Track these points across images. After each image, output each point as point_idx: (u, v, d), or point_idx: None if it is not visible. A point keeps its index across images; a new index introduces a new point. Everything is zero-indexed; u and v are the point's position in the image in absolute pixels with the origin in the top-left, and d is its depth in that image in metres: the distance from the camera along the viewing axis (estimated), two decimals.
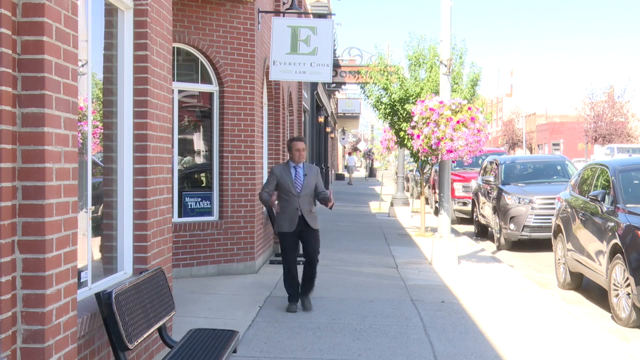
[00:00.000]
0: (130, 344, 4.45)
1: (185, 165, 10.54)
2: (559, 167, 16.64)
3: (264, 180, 7.74)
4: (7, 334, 3.64)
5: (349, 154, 54.07)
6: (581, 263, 9.67)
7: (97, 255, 5.44)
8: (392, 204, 21.20)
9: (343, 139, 57.29)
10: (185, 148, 10.68)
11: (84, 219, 4.98)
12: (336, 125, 51.17)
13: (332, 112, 40.37)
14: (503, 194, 14.75)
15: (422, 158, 14.29)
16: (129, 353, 4.79)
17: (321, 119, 29.88)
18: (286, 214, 8.08)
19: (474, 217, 17.58)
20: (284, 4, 13.56)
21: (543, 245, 13.99)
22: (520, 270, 11.97)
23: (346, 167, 51.95)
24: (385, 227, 17.83)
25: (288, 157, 8.34)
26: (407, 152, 16.93)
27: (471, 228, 18.03)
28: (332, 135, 46.47)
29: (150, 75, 5.71)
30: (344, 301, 8.72)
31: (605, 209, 8.97)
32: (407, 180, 32.23)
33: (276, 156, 13.47)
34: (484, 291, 9.62)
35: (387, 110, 14.97)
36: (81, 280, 4.76)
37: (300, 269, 8.39)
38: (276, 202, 8.05)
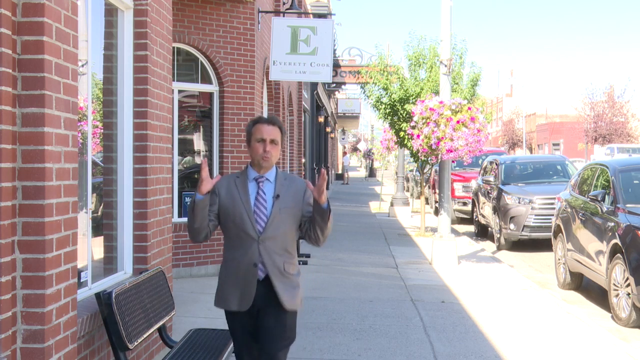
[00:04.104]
0: (130, 344, 4.45)
1: (185, 165, 10.54)
2: (559, 167, 16.65)
3: None
4: (7, 334, 3.64)
5: (344, 153, 54.07)
6: (581, 263, 9.67)
7: (97, 255, 5.43)
8: (392, 204, 21.20)
9: (343, 139, 57.28)
10: (185, 148, 10.68)
11: (84, 219, 4.98)
12: (336, 125, 51.18)
13: (332, 112, 40.38)
14: (503, 194, 14.75)
15: (422, 158, 14.29)
16: (129, 353, 4.79)
17: (321, 119, 29.87)
18: (233, 274, 4.16)
19: (474, 217, 17.57)
20: (284, 4, 13.56)
21: (543, 245, 13.98)
22: (520, 270, 11.97)
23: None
24: (385, 227, 17.83)
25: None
26: (407, 152, 16.93)
27: (471, 228, 18.03)
28: (332, 135, 46.47)
29: (150, 75, 5.71)
30: (344, 301, 8.72)
31: (605, 209, 8.96)
32: (407, 180, 32.22)
33: None
34: (484, 291, 9.62)
35: (387, 110, 14.97)
36: (81, 280, 4.76)
37: None
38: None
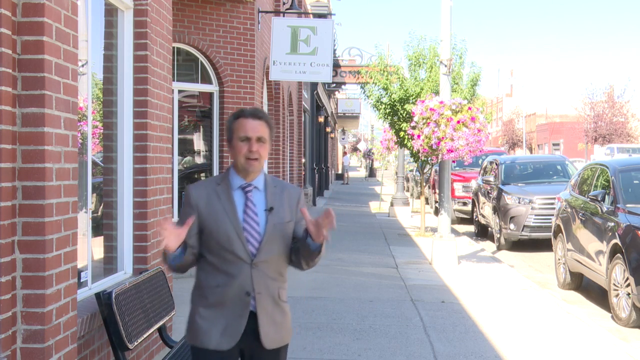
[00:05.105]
0: (131, 344, 4.45)
1: (185, 165, 10.54)
2: (559, 167, 16.65)
3: None
4: (7, 334, 3.64)
5: (344, 154, 54.15)
6: (581, 263, 9.67)
7: (97, 255, 5.43)
8: (392, 204, 21.20)
9: (343, 139, 57.29)
10: (185, 148, 10.69)
11: (84, 219, 4.98)
12: (336, 125, 51.19)
13: (332, 112, 40.39)
14: (503, 194, 14.75)
15: (422, 158, 14.28)
16: (128, 353, 4.79)
17: (321, 119, 29.88)
18: (217, 304, 3.36)
19: (474, 217, 17.57)
20: (284, 4, 13.57)
21: (543, 245, 13.98)
22: (520, 270, 11.97)
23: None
24: (385, 227, 17.83)
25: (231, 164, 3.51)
26: (407, 152, 16.93)
27: (471, 228, 18.03)
28: (332, 135, 46.48)
29: (150, 75, 5.71)
30: (344, 301, 8.72)
31: (605, 209, 8.96)
32: (407, 180, 32.21)
33: (276, 157, 13.48)
34: (484, 291, 9.61)
35: (387, 110, 14.97)
36: (81, 280, 4.76)
37: None
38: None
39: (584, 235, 9.52)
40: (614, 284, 8.29)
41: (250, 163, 3.34)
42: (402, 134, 14.78)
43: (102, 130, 5.54)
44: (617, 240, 8.23)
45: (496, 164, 16.37)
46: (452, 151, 11.19)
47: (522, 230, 14.09)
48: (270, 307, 3.38)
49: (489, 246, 14.97)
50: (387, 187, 33.39)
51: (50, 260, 3.80)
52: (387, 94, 14.91)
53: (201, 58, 10.21)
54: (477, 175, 18.55)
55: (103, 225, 5.62)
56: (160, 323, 5.16)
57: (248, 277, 3.31)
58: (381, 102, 15.04)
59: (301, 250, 3.39)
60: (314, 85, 23.76)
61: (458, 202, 19.62)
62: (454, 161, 14.42)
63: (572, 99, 61.63)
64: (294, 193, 3.52)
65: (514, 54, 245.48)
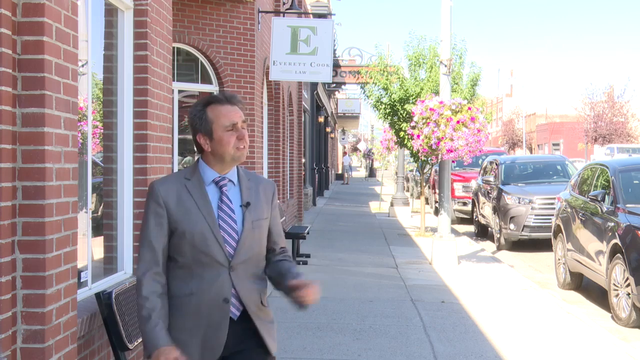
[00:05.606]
0: (131, 344, 4.45)
1: (185, 165, 10.54)
2: (559, 167, 16.66)
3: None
4: (7, 334, 3.64)
5: (344, 154, 54.16)
6: (581, 263, 9.67)
7: (97, 255, 5.43)
8: (392, 204, 21.20)
9: (343, 139, 57.30)
10: (185, 148, 10.68)
11: (84, 219, 4.98)
12: (336, 125, 51.20)
13: (332, 112, 40.38)
14: (503, 194, 14.75)
15: (422, 158, 14.30)
16: (129, 353, 4.79)
17: (321, 119, 29.88)
18: (192, 314, 3.06)
19: (474, 217, 17.58)
20: (284, 4, 13.56)
21: (543, 245, 13.99)
22: (520, 270, 11.97)
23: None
24: (385, 227, 17.83)
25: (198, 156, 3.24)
26: (407, 152, 16.94)
27: (471, 228, 18.03)
28: (332, 135, 46.48)
29: (150, 75, 5.70)
30: (344, 301, 8.72)
31: (605, 209, 8.97)
32: (407, 180, 32.22)
33: (276, 156, 13.47)
34: (484, 291, 9.62)
35: (387, 110, 14.98)
36: (81, 280, 4.76)
37: None
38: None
39: (584, 235, 9.52)
40: (614, 284, 8.30)
41: (242, 152, 3.07)
42: (402, 134, 14.79)
43: (102, 130, 5.54)
44: (617, 240, 8.23)
45: (496, 164, 16.37)
46: (451, 151, 11.20)
47: (522, 230, 14.10)
48: (256, 313, 3.15)
49: (489, 246, 14.97)
50: (387, 187, 33.39)
51: (50, 260, 3.80)
52: (387, 94, 14.92)
53: (201, 58, 10.21)
54: (477, 175, 18.56)
55: (103, 225, 5.62)
56: None
57: (226, 282, 3.04)
58: (381, 102, 15.05)
59: (273, 279, 3.25)
60: (314, 85, 23.75)
61: (458, 202, 19.62)
62: (453, 161, 14.43)
63: (572, 99, 61.64)
64: (269, 187, 3.25)
65: (514, 54, 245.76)
